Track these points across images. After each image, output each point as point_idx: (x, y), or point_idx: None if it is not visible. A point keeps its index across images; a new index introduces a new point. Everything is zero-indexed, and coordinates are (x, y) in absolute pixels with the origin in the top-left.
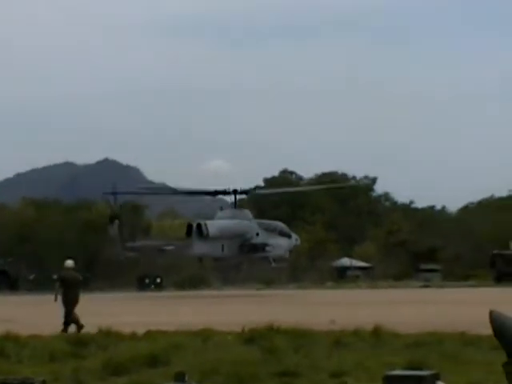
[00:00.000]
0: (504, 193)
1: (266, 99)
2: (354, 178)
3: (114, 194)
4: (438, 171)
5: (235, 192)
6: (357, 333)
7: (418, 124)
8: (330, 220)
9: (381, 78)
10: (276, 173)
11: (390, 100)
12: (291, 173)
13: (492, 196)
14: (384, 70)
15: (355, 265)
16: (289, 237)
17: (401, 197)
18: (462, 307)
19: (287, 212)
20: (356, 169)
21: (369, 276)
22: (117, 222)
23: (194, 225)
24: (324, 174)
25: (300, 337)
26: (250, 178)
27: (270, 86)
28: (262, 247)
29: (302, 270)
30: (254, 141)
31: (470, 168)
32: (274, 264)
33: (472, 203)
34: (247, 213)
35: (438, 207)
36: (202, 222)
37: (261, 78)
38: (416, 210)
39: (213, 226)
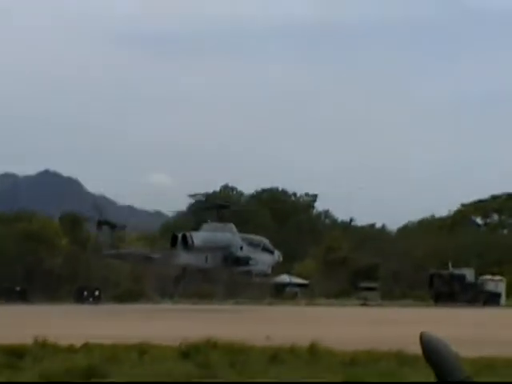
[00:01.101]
0: (444, 213)
1: (207, 113)
2: (294, 194)
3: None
4: (379, 189)
5: (219, 206)
6: (293, 350)
7: (357, 144)
8: (270, 236)
9: (328, 92)
10: (217, 188)
11: (328, 118)
12: (232, 188)
13: (432, 216)
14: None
15: (294, 281)
16: (271, 253)
17: (341, 214)
18: (399, 326)
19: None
20: (297, 185)
21: (307, 293)
22: (106, 227)
23: (180, 235)
24: (264, 190)
25: (236, 352)
26: (191, 192)
27: (208, 99)
28: (246, 261)
29: (241, 285)
30: (195, 155)
31: (410, 187)
32: (256, 279)
33: (412, 222)
34: (231, 226)
35: (379, 225)
36: (188, 233)
37: (198, 90)
38: (356, 228)
39: (197, 237)
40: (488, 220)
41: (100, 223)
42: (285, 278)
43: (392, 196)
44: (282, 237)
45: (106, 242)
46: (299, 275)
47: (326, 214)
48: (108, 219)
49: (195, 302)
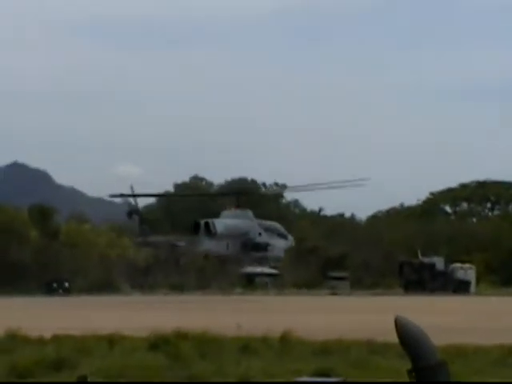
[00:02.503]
0: (413, 202)
1: (175, 103)
2: (263, 184)
3: (134, 195)
4: (345, 177)
5: (238, 193)
6: (264, 339)
7: (324, 130)
8: None
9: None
10: (187, 178)
11: (301, 105)
12: (201, 179)
13: (401, 205)
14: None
15: (264, 271)
16: (285, 238)
17: (310, 204)
18: (369, 315)
19: (197, 218)
20: (265, 175)
21: (277, 283)
22: (136, 217)
23: (202, 222)
24: (234, 180)
25: (207, 343)
26: (161, 183)
27: (176, 92)
28: (264, 247)
29: (211, 275)
30: (163, 145)
31: (379, 176)
32: (272, 263)
33: (381, 212)
34: (249, 213)
35: (348, 215)
36: (210, 221)
37: (169, 80)
38: (325, 217)
39: (220, 224)
40: (457, 208)
41: (131, 213)
42: (255, 267)
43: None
44: None
45: (135, 231)
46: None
47: (295, 203)
48: (138, 208)
49: (166, 292)
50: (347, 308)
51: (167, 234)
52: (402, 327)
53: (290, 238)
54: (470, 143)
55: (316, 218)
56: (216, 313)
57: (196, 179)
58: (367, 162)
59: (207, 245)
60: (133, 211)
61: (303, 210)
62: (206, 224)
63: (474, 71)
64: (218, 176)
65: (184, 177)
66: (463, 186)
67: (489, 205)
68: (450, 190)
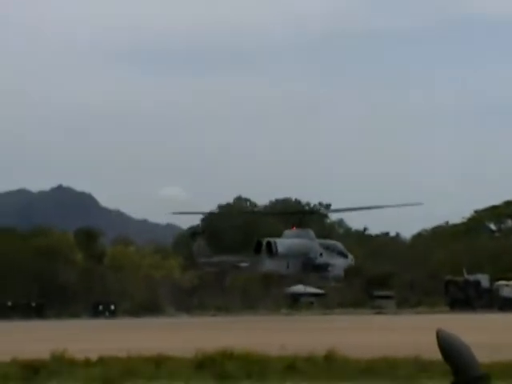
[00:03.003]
0: (458, 220)
1: (216, 125)
2: (307, 204)
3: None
4: (391, 198)
5: (300, 213)
6: (310, 358)
7: (365, 150)
8: None
9: (339, 99)
10: (231, 200)
11: (340, 124)
12: (246, 200)
13: (447, 223)
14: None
15: (309, 291)
16: (346, 256)
17: (354, 223)
18: (416, 333)
19: (240, 238)
20: (309, 195)
21: (322, 303)
22: (200, 239)
23: (264, 242)
24: (278, 201)
25: (253, 362)
26: (205, 204)
27: (213, 112)
28: (325, 267)
29: (257, 296)
30: (207, 168)
31: (423, 195)
32: (332, 283)
33: (426, 230)
34: (311, 232)
35: (392, 234)
36: (272, 241)
37: (204, 105)
38: (370, 236)
39: (281, 244)
40: (502, 226)
41: (194, 234)
42: (299, 287)
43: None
44: None
45: (200, 252)
46: (313, 285)
47: (340, 223)
48: (201, 231)
49: (212, 314)
50: (394, 327)
51: (228, 254)
52: (443, 340)
53: (350, 256)
54: None
55: (361, 237)
56: (261, 332)
57: (240, 200)
58: (412, 181)
59: (268, 264)
60: (196, 233)
61: (348, 229)
62: (268, 244)
63: None
64: (261, 196)
65: (228, 198)
66: (507, 203)
67: None
68: (494, 208)
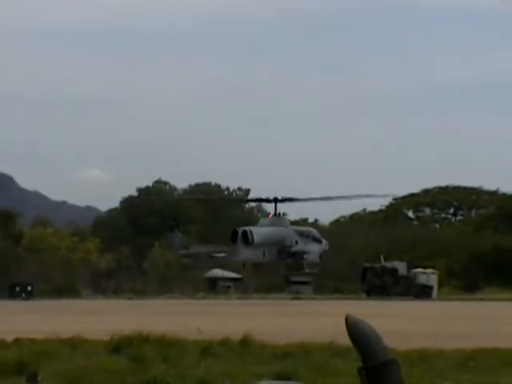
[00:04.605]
0: (376, 207)
1: (134, 109)
2: (227, 189)
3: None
4: (310, 184)
5: (276, 200)
6: (225, 342)
7: (291, 134)
8: (203, 230)
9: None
10: (150, 183)
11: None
12: (165, 183)
13: (364, 210)
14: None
15: (226, 276)
16: (320, 242)
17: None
18: (332, 319)
19: (159, 222)
20: (229, 180)
21: (240, 287)
22: (177, 230)
23: (240, 231)
24: (197, 185)
25: (168, 346)
26: (124, 187)
27: (138, 96)
28: (301, 254)
29: (175, 280)
30: (127, 150)
31: (341, 182)
32: (307, 269)
33: (344, 217)
34: (286, 220)
35: (311, 220)
36: (248, 229)
37: (126, 88)
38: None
39: (257, 233)
40: (420, 214)
41: (172, 226)
42: (217, 272)
43: (324, 190)
44: (214, 231)
45: (178, 244)
46: (232, 269)
47: (259, 208)
48: (178, 223)
49: (129, 297)
50: (310, 312)
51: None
52: (351, 325)
53: (324, 241)
54: (433, 148)
55: None
56: (177, 316)
57: (159, 183)
58: (330, 167)
59: (245, 253)
60: (172, 225)
61: (266, 214)
62: (244, 233)
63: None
64: (180, 181)
65: (147, 181)
66: (425, 192)
67: (451, 210)
68: (412, 196)
